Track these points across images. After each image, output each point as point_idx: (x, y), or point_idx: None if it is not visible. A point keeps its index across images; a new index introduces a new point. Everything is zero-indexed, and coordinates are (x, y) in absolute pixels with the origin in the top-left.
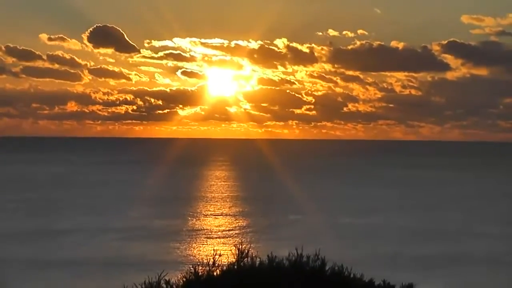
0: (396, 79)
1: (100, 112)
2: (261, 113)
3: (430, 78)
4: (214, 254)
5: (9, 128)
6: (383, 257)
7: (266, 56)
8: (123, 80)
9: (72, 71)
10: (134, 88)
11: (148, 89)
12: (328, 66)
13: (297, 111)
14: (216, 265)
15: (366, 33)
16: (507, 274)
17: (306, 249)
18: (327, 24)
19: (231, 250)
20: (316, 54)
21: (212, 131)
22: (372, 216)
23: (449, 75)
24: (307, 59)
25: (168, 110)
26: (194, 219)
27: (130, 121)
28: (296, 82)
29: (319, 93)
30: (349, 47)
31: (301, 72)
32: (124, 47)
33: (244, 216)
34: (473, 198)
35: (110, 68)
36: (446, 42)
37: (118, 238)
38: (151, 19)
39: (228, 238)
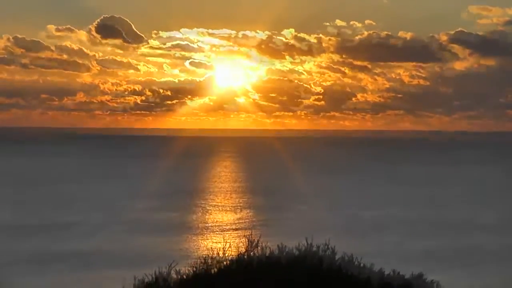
0: (404, 69)
1: (108, 103)
2: (270, 104)
3: (438, 68)
4: (224, 244)
5: (18, 119)
6: (392, 249)
7: (274, 47)
8: (131, 71)
9: (80, 62)
10: (143, 79)
11: (157, 80)
12: (336, 57)
13: (306, 101)
14: (226, 255)
15: (374, 23)
16: None
17: (316, 239)
18: (335, 15)
19: (241, 240)
20: (324, 44)
21: (221, 121)
22: (381, 208)
23: (457, 65)
24: (315, 49)
25: (177, 101)
26: (203, 211)
27: (138, 112)
28: (305, 73)
29: (328, 83)
30: (357, 38)
31: (309, 63)
32: (132, 38)
33: (253, 207)
34: (482, 189)
35: (118, 59)
36: (453, 32)
37: (126, 230)
38: (159, 10)
39: (238, 230)
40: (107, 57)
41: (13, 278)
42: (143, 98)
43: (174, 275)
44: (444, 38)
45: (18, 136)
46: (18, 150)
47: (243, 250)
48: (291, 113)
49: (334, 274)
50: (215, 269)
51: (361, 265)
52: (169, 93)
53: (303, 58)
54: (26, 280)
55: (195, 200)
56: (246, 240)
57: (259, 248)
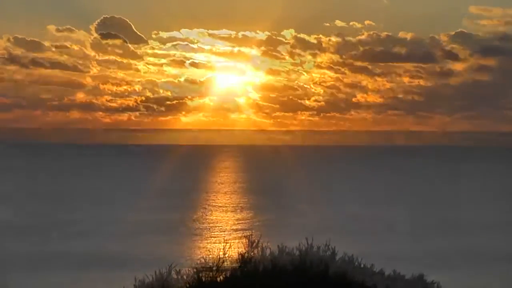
0: (405, 70)
1: (109, 103)
2: (270, 104)
3: (439, 69)
4: (225, 245)
5: (18, 119)
6: (392, 250)
7: (274, 47)
8: (132, 71)
9: (80, 62)
10: (143, 79)
11: (157, 80)
12: (336, 57)
13: (306, 102)
14: (227, 255)
15: (374, 24)
16: None
17: (316, 240)
18: (335, 15)
19: (241, 241)
20: (324, 45)
21: (221, 122)
22: (381, 208)
23: (458, 66)
24: (315, 50)
25: (177, 101)
26: (204, 211)
27: (138, 112)
28: (305, 73)
29: (328, 84)
30: (357, 38)
31: (309, 63)
32: (132, 38)
33: (253, 208)
34: (483, 190)
35: (119, 59)
36: (454, 33)
37: (127, 230)
38: (159, 10)
39: (239, 230)
40: (107, 58)
41: (12, 277)
42: (143, 98)
43: (174, 276)
44: (444, 38)
45: (18, 136)
46: (19, 150)
47: (244, 250)
48: (291, 113)
49: (334, 275)
50: (216, 269)
51: (362, 265)
52: (169, 93)
53: (303, 58)
54: (26, 279)
55: (196, 200)
56: (247, 240)
57: (259, 248)
